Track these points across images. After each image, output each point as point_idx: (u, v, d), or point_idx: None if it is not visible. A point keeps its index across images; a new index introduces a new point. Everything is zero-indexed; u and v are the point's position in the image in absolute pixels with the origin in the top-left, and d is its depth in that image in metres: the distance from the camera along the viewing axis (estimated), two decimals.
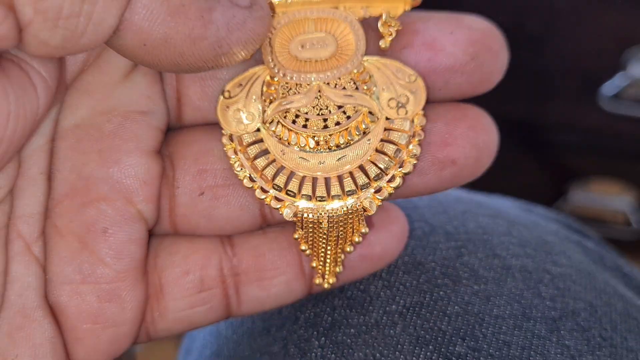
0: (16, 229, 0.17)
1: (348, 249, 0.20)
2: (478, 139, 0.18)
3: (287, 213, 0.19)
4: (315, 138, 0.19)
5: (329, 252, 0.19)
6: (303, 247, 0.19)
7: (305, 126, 0.19)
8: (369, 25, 0.19)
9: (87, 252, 0.18)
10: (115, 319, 0.18)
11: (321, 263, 0.20)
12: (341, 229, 0.19)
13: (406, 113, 0.19)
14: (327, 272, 0.20)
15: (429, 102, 0.19)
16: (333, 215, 0.19)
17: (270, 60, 0.19)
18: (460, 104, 0.19)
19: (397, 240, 0.20)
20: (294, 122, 0.19)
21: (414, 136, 0.19)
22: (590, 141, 0.78)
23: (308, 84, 0.19)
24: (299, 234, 0.19)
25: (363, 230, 0.19)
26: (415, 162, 0.19)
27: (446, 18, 0.18)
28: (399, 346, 0.20)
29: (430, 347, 0.20)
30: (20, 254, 0.17)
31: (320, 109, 0.19)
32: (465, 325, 0.21)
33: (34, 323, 0.17)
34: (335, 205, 0.19)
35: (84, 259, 0.18)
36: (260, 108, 0.19)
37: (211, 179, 0.19)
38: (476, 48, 0.18)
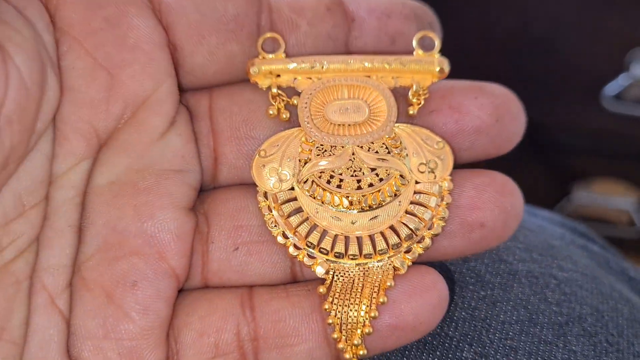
0: (41, 280, 0.17)
1: (373, 314, 0.19)
2: (506, 202, 0.19)
3: (319, 271, 0.19)
4: (349, 198, 0.20)
5: (355, 314, 0.19)
6: (326, 306, 0.19)
7: (339, 186, 0.20)
8: (398, 92, 0.21)
9: (113, 306, 0.18)
10: None
11: (344, 332, 0.19)
12: (372, 288, 0.19)
13: (435, 177, 0.20)
14: (352, 339, 0.19)
15: (455, 165, 0.20)
16: (364, 273, 0.19)
17: (307, 123, 0.20)
18: (487, 170, 0.20)
19: (432, 309, 0.19)
20: (328, 182, 0.20)
21: (442, 199, 0.19)
22: (593, 142, 0.78)
23: (342, 147, 0.20)
24: (324, 289, 0.19)
25: (388, 284, 0.19)
26: (443, 224, 0.19)
27: (469, 85, 0.20)
28: (407, 352, 0.20)
29: (438, 352, 0.20)
30: (43, 306, 0.17)
31: (354, 171, 0.20)
32: (472, 330, 0.21)
33: None
34: (367, 263, 0.19)
35: (109, 313, 0.18)
36: (296, 168, 0.20)
37: (246, 235, 0.19)
38: (499, 111, 0.19)
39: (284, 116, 0.20)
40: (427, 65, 0.20)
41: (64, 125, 0.18)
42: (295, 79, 0.20)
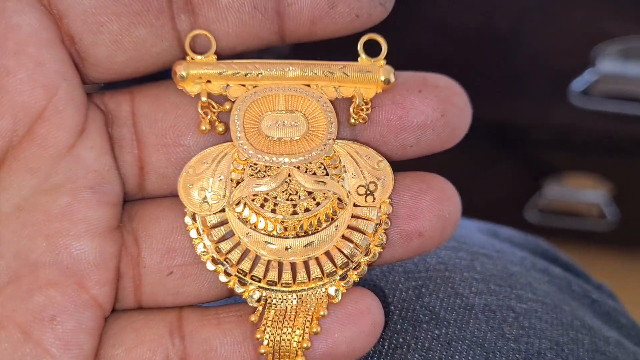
0: None
1: (305, 345, 0.18)
2: (443, 210, 0.19)
3: (250, 299, 0.18)
4: (284, 223, 0.18)
5: (287, 344, 0.18)
6: (258, 335, 0.18)
7: (273, 211, 0.18)
8: (339, 102, 0.19)
9: (31, 343, 0.17)
10: None
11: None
12: (305, 317, 0.18)
13: (374, 201, 0.19)
14: None
15: (401, 162, 0.19)
16: (298, 301, 0.18)
17: (239, 138, 0.18)
18: (426, 175, 0.19)
19: (365, 336, 0.18)
20: (262, 205, 0.18)
21: (380, 224, 0.19)
22: (562, 137, 0.79)
23: (278, 167, 0.18)
24: (255, 317, 0.18)
25: (322, 313, 0.18)
26: (381, 250, 0.19)
27: (412, 77, 0.19)
28: None
29: None
30: None
31: (290, 194, 0.19)
32: None
33: None
34: (300, 291, 0.18)
35: (27, 351, 0.16)
36: (227, 188, 0.18)
37: (180, 258, 0.18)
38: (445, 105, 0.18)
39: (220, 129, 0.18)
40: (372, 75, 0.18)
41: None
42: (227, 85, 0.18)
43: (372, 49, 0.19)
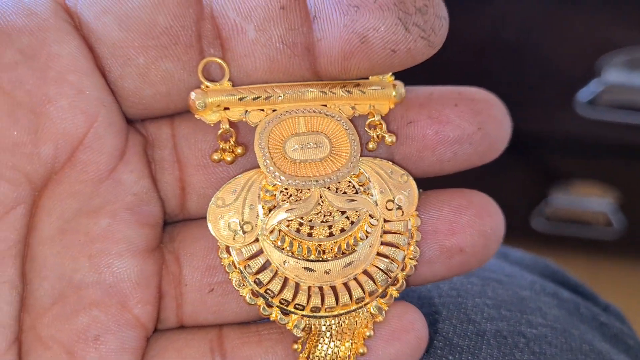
0: None
1: None
2: (485, 226, 0.18)
3: (296, 330, 0.18)
4: (322, 246, 0.18)
5: None
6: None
7: (310, 234, 0.18)
8: (356, 121, 0.19)
9: None
10: None
11: None
12: (351, 339, 0.18)
13: (402, 214, 0.19)
14: None
15: (439, 177, 0.19)
16: (342, 325, 0.18)
17: (266, 164, 0.18)
18: (466, 191, 0.19)
19: (410, 351, 0.18)
20: (297, 230, 0.18)
21: (412, 237, 0.19)
22: (569, 146, 0.79)
23: (309, 189, 0.18)
24: (299, 346, 0.18)
25: (368, 334, 0.18)
26: (415, 263, 0.19)
27: (448, 91, 0.18)
28: None
29: None
30: None
31: (324, 216, 0.18)
32: None
33: None
34: (344, 314, 0.18)
35: None
36: (259, 217, 0.18)
37: (220, 275, 0.18)
38: (481, 118, 0.18)
39: (239, 151, 0.18)
40: (385, 91, 0.18)
41: None
42: (246, 111, 0.18)
43: None
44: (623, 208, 0.83)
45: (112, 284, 0.17)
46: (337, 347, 0.18)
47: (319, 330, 0.18)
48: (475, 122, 0.18)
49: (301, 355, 0.18)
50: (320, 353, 0.18)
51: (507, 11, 0.69)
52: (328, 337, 0.18)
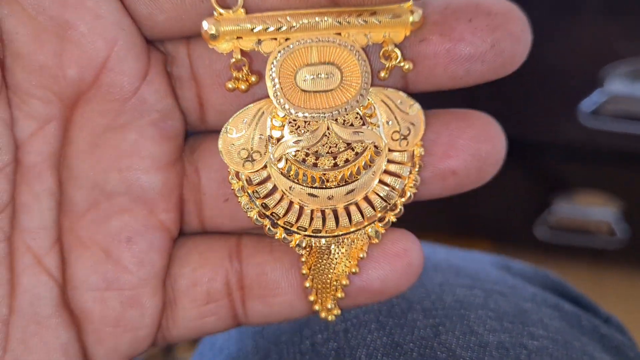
0: (24, 243, 0.18)
1: (344, 282, 0.19)
2: (480, 149, 0.19)
3: (298, 248, 0.20)
4: (325, 176, 0.19)
5: (329, 280, 0.20)
6: (304, 272, 0.20)
7: (315, 164, 0.19)
8: (370, 49, 0.19)
9: (111, 261, 0.19)
10: (135, 323, 0.19)
11: (320, 293, 0.20)
12: (346, 258, 0.20)
13: (407, 144, 0.19)
14: (326, 303, 0.20)
15: (453, 90, 0.19)
16: (340, 244, 0.20)
17: (276, 96, 0.19)
18: (468, 112, 0.19)
19: (399, 275, 0.19)
20: (303, 160, 0.19)
21: (414, 166, 0.19)
22: (572, 155, 0.79)
23: (316, 121, 0.19)
24: (306, 258, 0.20)
25: (361, 255, 0.19)
26: (415, 191, 0.19)
27: (465, 3, 0.18)
28: None
29: None
30: (30, 266, 0.18)
31: (330, 147, 0.19)
32: None
33: (47, 330, 0.18)
34: (343, 234, 0.20)
35: (109, 268, 0.19)
36: (268, 146, 0.19)
37: None
38: (496, 35, 0.18)
39: (253, 79, 0.19)
40: (401, 19, 0.18)
41: (19, 91, 0.17)
42: (259, 40, 0.18)
43: None
44: (626, 217, 0.83)
45: (139, 195, 0.19)
46: (334, 263, 0.20)
47: (319, 248, 0.20)
48: (489, 39, 0.17)
49: (304, 266, 0.19)
50: (320, 266, 0.20)
51: None
52: (327, 254, 0.20)
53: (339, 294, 0.20)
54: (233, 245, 0.20)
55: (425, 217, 0.91)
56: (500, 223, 0.89)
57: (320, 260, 0.20)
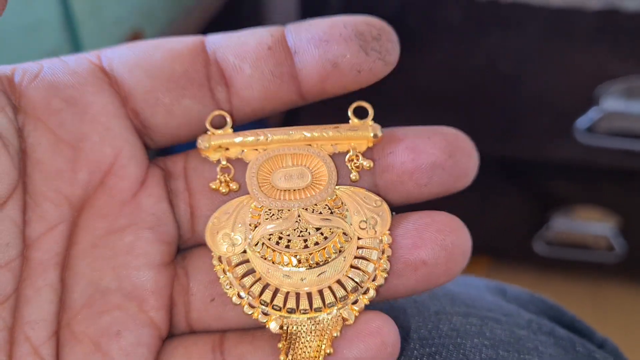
0: (24, 333, 0.19)
1: None
2: (446, 240, 0.20)
3: (273, 326, 0.21)
4: (297, 257, 0.21)
5: None
6: (282, 358, 0.20)
7: (287, 246, 0.21)
8: (338, 158, 0.22)
9: (100, 353, 0.20)
10: None
11: None
12: (320, 339, 0.21)
13: (375, 233, 0.21)
14: None
15: (419, 204, 0.21)
16: (315, 326, 0.21)
17: (255, 191, 0.22)
18: (433, 212, 0.21)
19: (373, 353, 0.20)
20: (277, 243, 0.21)
21: (383, 252, 0.21)
22: (569, 171, 0.80)
23: (289, 210, 0.21)
24: (283, 344, 0.21)
25: (335, 334, 0.20)
26: (386, 275, 0.21)
27: (421, 128, 0.21)
28: None
29: None
30: (26, 355, 0.19)
31: (301, 231, 0.21)
32: None
33: None
34: (317, 316, 0.21)
35: (97, 359, 0.20)
36: (247, 232, 0.21)
37: (220, 288, 0.21)
38: (451, 147, 0.21)
39: (234, 187, 0.22)
40: (362, 132, 0.22)
41: (35, 194, 0.20)
42: (242, 150, 0.22)
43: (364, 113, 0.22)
44: (623, 232, 0.83)
45: (131, 291, 0.20)
46: (308, 345, 0.21)
47: (293, 329, 0.21)
48: (447, 151, 0.20)
49: (282, 353, 0.20)
50: (295, 350, 0.21)
51: (503, 43, 0.71)
52: (301, 336, 0.21)
53: None
54: (217, 339, 0.21)
55: None
56: (499, 239, 0.90)
57: (295, 342, 0.21)
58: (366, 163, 0.22)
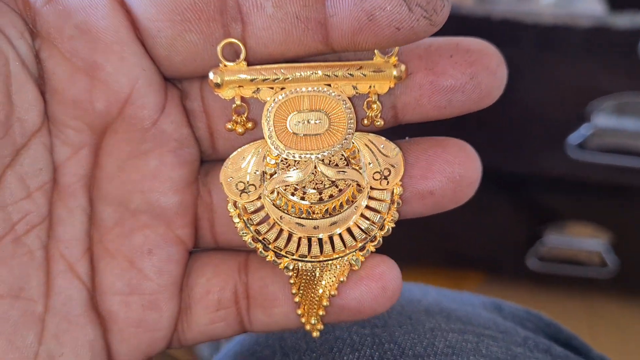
0: (58, 251, 0.20)
1: (324, 303, 0.22)
2: (454, 172, 0.20)
3: (286, 270, 0.22)
4: (312, 208, 0.22)
5: (313, 299, 0.22)
6: (294, 291, 0.22)
7: (302, 198, 0.21)
8: (357, 99, 0.21)
9: (135, 269, 0.21)
10: (154, 325, 0.22)
11: (306, 309, 0.22)
12: (328, 281, 0.22)
13: (387, 184, 0.21)
14: (312, 316, 0.22)
15: (437, 121, 0.21)
16: (324, 269, 0.22)
17: (270, 137, 0.21)
18: (445, 139, 0.21)
19: (373, 297, 0.21)
20: (292, 194, 0.21)
21: (393, 203, 0.21)
22: (561, 187, 0.80)
23: (305, 161, 0.21)
24: (294, 280, 0.22)
25: (341, 279, 0.21)
26: (393, 225, 0.22)
27: (446, 42, 0.20)
28: None
29: None
30: (63, 271, 0.20)
31: (316, 184, 0.22)
32: None
33: (77, 327, 0.20)
34: (326, 260, 0.22)
35: (133, 275, 0.21)
36: (262, 180, 0.21)
37: None
38: (474, 69, 0.19)
39: (249, 126, 0.21)
40: (385, 73, 0.20)
41: (56, 122, 0.20)
42: (257, 89, 0.21)
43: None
44: (615, 248, 0.83)
45: (159, 213, 0.21)
46: (316, 287, 0.22)
47: (305, 271, 0.22)
48: (468, 72, 0.19)
49: (294, 286, 0.22)
50: (306, 287, 0.22)
51: None
52: (312, 277, 0.22)
53: (321, 312, 0.22)
54: (242, 260, 0.22)
55: (418, 251, 0.92)
56: (493, 255, 0.89)
57: (306, 282, 0.22)
58: (377, 122, 0.21)
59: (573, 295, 0.91)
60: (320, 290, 0.21)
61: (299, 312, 0.22)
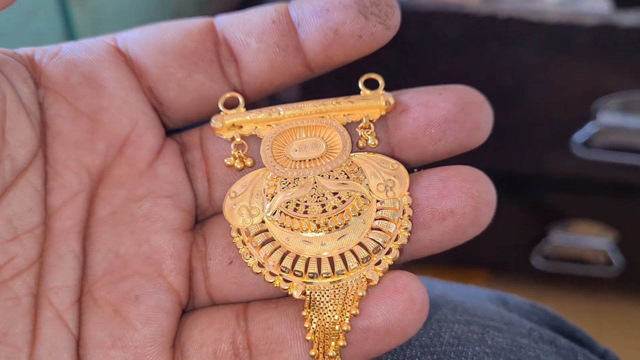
0: (47, 298, 0.20)
1: (345, 328, 0.19)
2: (473, 188, 0.20)
3: (295, 293, 0.20)
4: (316, 221, 0.21)
5: (330, 327, 0.19)
6: (306, 325, 0.20)
7: (305, 212, 0.21)
8: (352, 127, 0.22)
9: (119, 318, 0.20)
10: None
11: (321, 348, 0.19)
12: (345, 301, 0.20)
13: (394, 194, 0.21)
14: (328, 351, 0.19)
15: (433, 163, 0.21)
16: (338, 289, 0.20)
17: (270, 162, 0.22)
18: (454, 166, 0.21)
19: (402, 310, 0.19)
20: (295, 210, 0.21)
21: (404, 212, 0.21)
22: (566, 185, 0.80)
23: (304, 177, 0.21)
24: (307, 311, 0.20)
25: (360, 294, 0.20)
26: (408, 234, 0.20)
27: (432, 87, 0.21)
28: None
29: None
30: (51, 319, 0.20)
31: (318, 197, 0.21)
32: None
33: None
34: (340, 279, 0.20)
35: (116, 324, 0.20)
36: (264, 202, 0.21)
37: (237, 251, 0.21)
38: (463, 101, 0.21)
39: (249, 163, 0.22)
40: (374, 102, 0.21)
41: (55, 164, 0.20)
42: (256, 127, 0.22)
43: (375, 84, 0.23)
44: (621, 246, 0.83)
45: (149, 255, 0.21)
46: (332, 309, 0.20)
47: (316, 295, 0.20)
48: (458, 104, 0.21)
49: (306, 320, 0.20)
50: (320, 316, 0.20)
51: (501, 57, 0.71)
52: (325, 301, 0.20)
53: (341, 342, 0.19)
54: (240, 308, 0.21)
55: None
56: (498, 253, 0.89)
57: (319, 308, 0.20)
58: (372, 141, 0.22)
59: (578, 293, 0.91)
60: (337, 317, 0.19)
61: (312, 353, 0.19)
